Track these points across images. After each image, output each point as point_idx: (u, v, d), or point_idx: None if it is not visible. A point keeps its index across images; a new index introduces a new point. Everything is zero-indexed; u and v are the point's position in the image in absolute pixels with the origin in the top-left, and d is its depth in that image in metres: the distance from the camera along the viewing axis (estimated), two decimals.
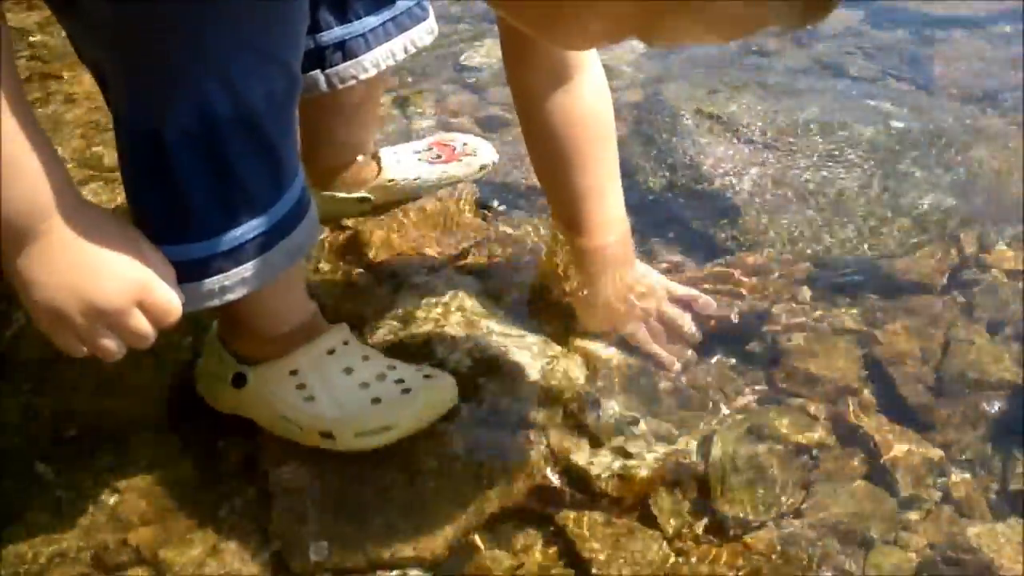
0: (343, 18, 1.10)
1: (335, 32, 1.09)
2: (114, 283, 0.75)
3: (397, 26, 1.14)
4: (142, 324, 0.76)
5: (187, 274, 0.81)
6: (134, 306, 0.76)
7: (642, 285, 1.11)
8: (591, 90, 1.07)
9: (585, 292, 1.12)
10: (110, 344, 0.76)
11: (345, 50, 1.10)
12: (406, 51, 1.15)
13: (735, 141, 1.38)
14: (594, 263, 1.11)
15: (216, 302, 0.84)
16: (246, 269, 0.84)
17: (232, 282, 0.83)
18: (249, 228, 0.82)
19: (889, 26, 1.71)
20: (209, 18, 0.73)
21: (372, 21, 1.12)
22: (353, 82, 1.12)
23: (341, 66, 1.11)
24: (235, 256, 0.82)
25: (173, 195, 0.79)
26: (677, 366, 1.07)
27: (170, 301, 0.78)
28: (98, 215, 0.76)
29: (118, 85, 0.77)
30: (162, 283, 0.77)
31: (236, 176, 0.80)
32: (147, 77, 0.75)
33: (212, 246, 0.81)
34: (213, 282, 0.83)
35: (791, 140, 1.38)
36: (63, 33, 1.62)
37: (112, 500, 0.93)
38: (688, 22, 0.65)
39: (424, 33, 1.17)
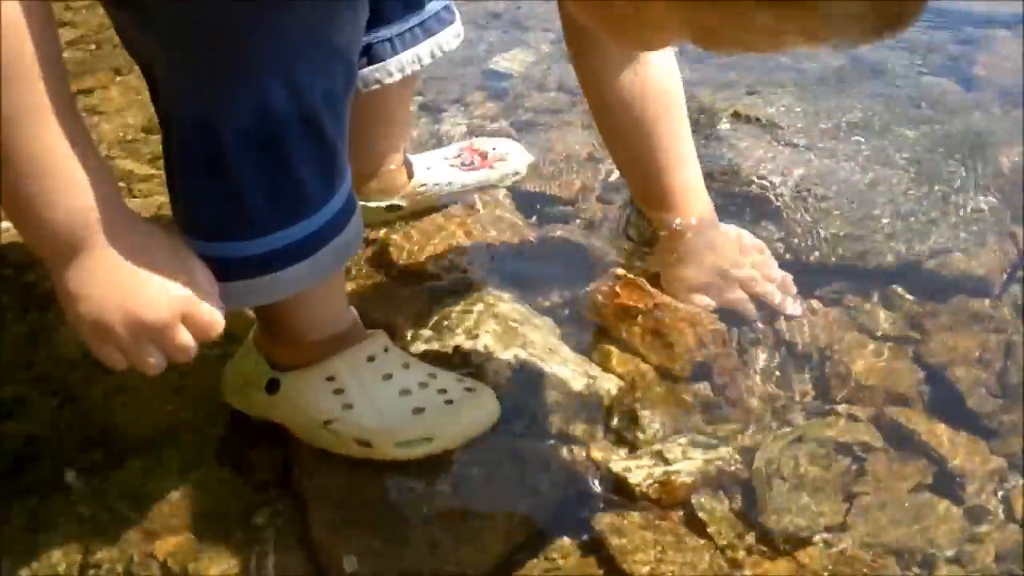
0: (371, 21, 1.07)
1: None
2: (159, 298, 0.74)
3: (425, 31, 1.12)
4: (185, 338, 0.76)
5: (238, 271, 0.80)
6: (178, 321, 0.75)
7: (737, 255, 1.12)
8: (658, 66, 1.09)
9: (680, 268, 1.12)
10: (152, 359, 0.76)
11: (370, 54, 1.08)
12: (432, 56, 1.13)
13: (775, 143, 1.34)
14: (684, 238, 1.13)
15: (265, 300, 0.84)
16: (298, 268, 0.83)
17: (283, 280, 0.83)
18: (302, 227, 0.81)
19: (928, 25, 1.66)
20: (283, 19, 0.72)
21: (400, 25, 1.10)
22: (377, 86, 1.10)
23: (366, 70, 1.09)
24: (287, 254, 0.81)
25: (228, 193, 0.78)
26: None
27: (214, 317, 0.77)
28: (144, 229, 0.76)
29: (172, 82, 0.76)
30: (206, 298, 0.77)
31: (293, 174, 0.79)
32: (208, 75, 0.73)
33: (265, 244, 0.80)
34: (265, 280, 0.82)
35: (833, 141, 1.34)
36: (91, 46, 1.68)
37: (141, 511, 0.92)
38: (735, 37, 0.64)
39: (451, 37, 1.15)
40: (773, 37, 0.63)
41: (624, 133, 1.12)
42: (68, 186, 0.69)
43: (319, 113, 0.77)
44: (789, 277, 1.13)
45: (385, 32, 1.09)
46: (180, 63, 0.74)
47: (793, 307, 1.10)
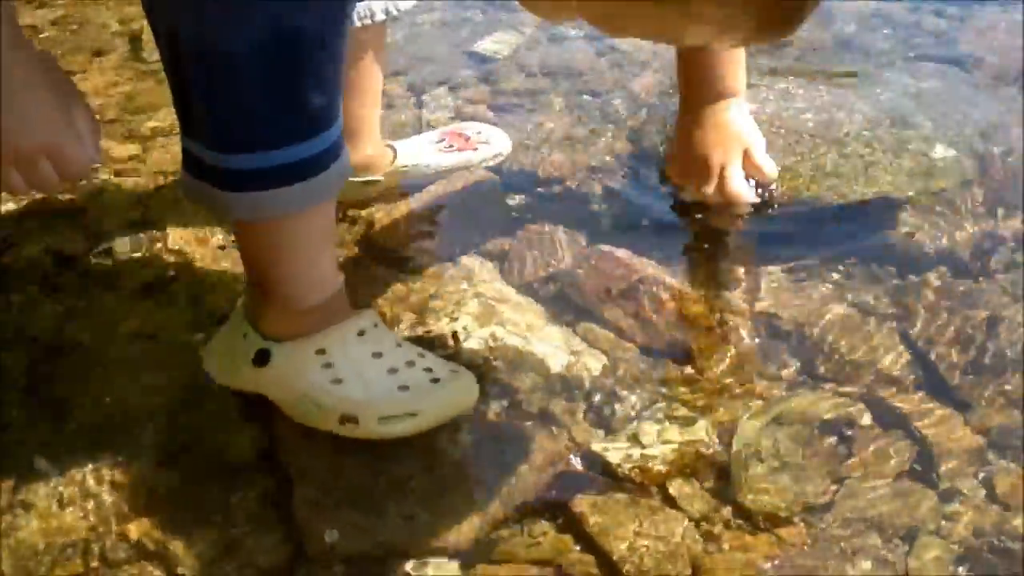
0: None
1: None
2: (28, 128, 0.79)
3: None
4: (46, 171, 0.82)
5: (249, 182, 0.83)
6: (42, 156, 0.80)
7: (729, 133, 1.18)
8: None
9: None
10: (13, 179, 0.81)
11: None
12: (387, 13, 1.14)
13: (757, 123, 1.33)
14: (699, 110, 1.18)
15: (279, 213, 0.86)
16: (310, 184, 0.85)
17: (292, 195, 0.85)
18: (311, 145, 0.84)
19: (913, 3, 1.66)
20: None
21: None
22: None
23: None
24: (295, 170, 0.84)
25: (240, 108, 0.81)
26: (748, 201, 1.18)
27: (77, 162, 0.83)
28: (35, 65, 0.80)
29: (177, 4, 0.78)
30: (78, 141, 0.81)
31: (301, 92, 0.81)
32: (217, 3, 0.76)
33: (275, 157, 0.83)
34: (281, 192, 0.85)
35: (818, 121, 1.34)
36: (73, 26, 1.66)
37: (118, 492, 0.91)
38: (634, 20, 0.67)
39: None
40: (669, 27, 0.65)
41: None
42: None
43: (323, 37, 0.80)
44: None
45: None
46: None
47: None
